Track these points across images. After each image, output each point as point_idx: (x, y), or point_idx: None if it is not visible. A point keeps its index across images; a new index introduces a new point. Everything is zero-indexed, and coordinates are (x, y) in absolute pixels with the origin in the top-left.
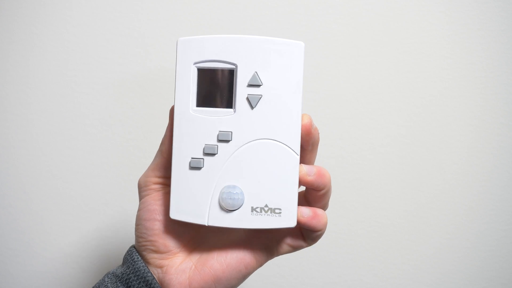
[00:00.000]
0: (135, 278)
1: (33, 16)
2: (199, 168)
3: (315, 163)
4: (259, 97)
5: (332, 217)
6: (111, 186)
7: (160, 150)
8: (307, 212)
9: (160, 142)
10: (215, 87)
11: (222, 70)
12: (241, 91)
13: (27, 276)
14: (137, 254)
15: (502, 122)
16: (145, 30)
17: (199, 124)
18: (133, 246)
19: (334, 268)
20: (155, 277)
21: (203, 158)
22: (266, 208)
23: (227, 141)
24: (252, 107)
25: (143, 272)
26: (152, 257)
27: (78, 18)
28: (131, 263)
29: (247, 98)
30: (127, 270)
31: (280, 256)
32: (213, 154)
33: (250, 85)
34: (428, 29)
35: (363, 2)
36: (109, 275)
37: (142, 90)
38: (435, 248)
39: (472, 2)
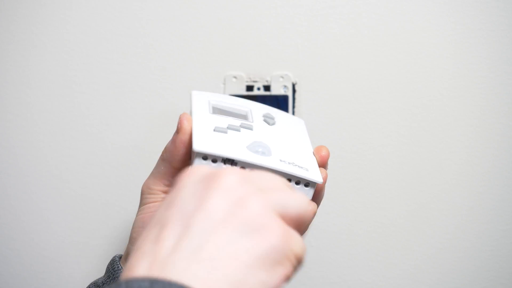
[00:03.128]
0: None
1: (33, 16)
2: (224, 132)
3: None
4: (274, 121)
5: (332, 217)
6: (111, 186)
7: (163, 159)
8: (325, 172)
9: (160, 143)
10: (232, 115)
11: (237, 110)
12: (257, 117)
13: (28, 276)
14: (118, 263)
15: (502, 122)
16: (145, 30)
17: (219, 119)
18: (117, 256)
19: (334, 268)
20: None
21: (227, 129)
22: (294, 163)
23: (250, 129)
24: (269, 124)
25: None
26: None
27: (78, 18)
28: (112, 272)
29: (264, 120)
30: (107, 280)
31: None
32: (237, 130)
33: (264, 116)
34: (428, 29)
35: (363, 2)
36: (91, 285)
37: (142, 90)
38: (435, 248)
39: (472, 2)
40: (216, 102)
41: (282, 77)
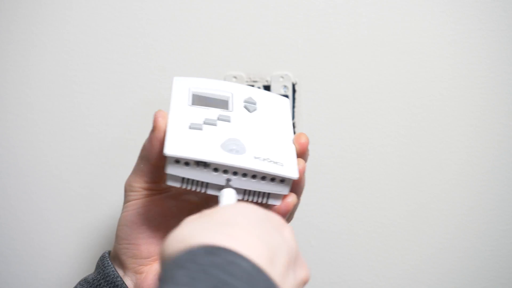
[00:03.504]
0: (105, 283)
1: (33, 16)
2: (199, 129)
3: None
4: (255, 107)
5: (332, 217)
6: (111, 186)
7: (142, 157)
8: (302, 163)
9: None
10: (211, 103)
11: (218, 96)
12: (238, 103)
13: (28, 276)
14: (108, 259)
15: (502, 122)
16: (145, 30)
17: (196, 112)
18: (106, 252)
19: (334, 268)
20: (128, 283)
21: (202, 125)
22: (268, 159)
23: (227, 121)
24: (249, 111)
25: (112, 277)
26: (132, 262)
27: (78, 18)
28: (102, 268)
29: (245, 107)
30: (97, 276)
31: None
32: (213, 124)
33: (246, 102)
34: (428, 29)
35: (363, 2)
36: (82, 282)
37: (142, 90)
38: (435, 248)
39: (472, 2)
40: (196, 90)
41: (282, 77)
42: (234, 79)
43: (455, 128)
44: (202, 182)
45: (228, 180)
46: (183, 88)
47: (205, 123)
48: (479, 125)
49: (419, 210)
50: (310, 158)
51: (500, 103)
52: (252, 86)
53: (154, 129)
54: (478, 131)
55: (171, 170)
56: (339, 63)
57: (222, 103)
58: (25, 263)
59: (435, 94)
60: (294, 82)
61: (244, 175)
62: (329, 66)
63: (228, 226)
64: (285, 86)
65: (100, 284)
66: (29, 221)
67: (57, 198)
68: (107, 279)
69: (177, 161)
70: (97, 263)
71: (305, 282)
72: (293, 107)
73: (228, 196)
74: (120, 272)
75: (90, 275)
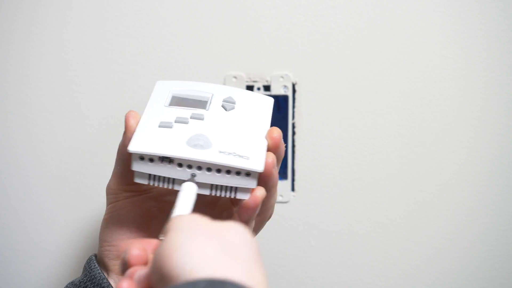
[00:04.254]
0: (92, 285)
1: (33, 16)
2: (169, 127)
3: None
4: (233, 106)
5: (332, 217)
6: None
7: (118, 159)
8: (271, 156)
9: None
10: (189, 104)
11: (197, 97)
12: (216, 103)
13: (28, 276)
14: (94, 262)
15: (502, 122)
16: (145, 30)
17: (170, 111)
18: (93, 255)
19: (334, 268)
20: (113, 285)
21: (173, 124)
22: (234, 153)
23: (200, 119)
24: (226, 110)
25: (98, 279)
26: (114, 264)
27: (78, 18)
28: (88, 271)
29: (222, 105)
30: (84, 278)
31: (280, 256)
32: (184, 123)
33: (224, 101)
34: (428, 29)
35: (363, 2)
36: (69, 285)
37: (142, 90)
38: (435, 248)
39: (472, 2)
40: (177, 92)
41: (282, 77)
42: (234, 79)
43: (455, 128)
44: (168, 178)
45: (193, 175)
46: (164, 90)
47: (176, 121)
48: (479, 125)
49: (419, 210)
50: (310, 158)
51: (500, 103)
52: (252, 86)
53: (125, 130)
54: (478, 131)
55: (136, 167)
56: (339, 63)
57: (200, 103)
58: (25, 263)
59: (435, 94)
60: (294, 82)
61: (209, 169)
62: (329, 66)
63: (233, 258)
64: (285, 86)
65: (86, 286)
66: (29, 221)
67: (57, 198)
68: (94, 281)
69: (141, 157)
70: (84, 266)
71: None
72: (293, 107)
73: (186, 190)
74: (105, 274)
75: (77, 278)
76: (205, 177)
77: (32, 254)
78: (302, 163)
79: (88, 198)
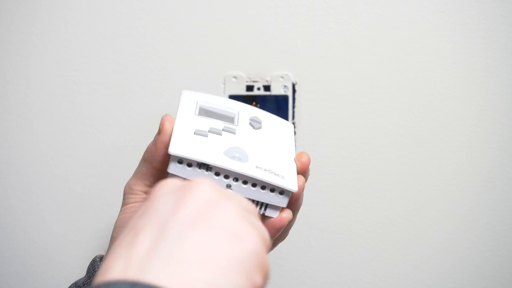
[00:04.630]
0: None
1: (33, 16)
2: (204, 135)
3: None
4: (260, 125)
5: (332, 217)
6: (111, 186)
7: (145, 159)
8: (302, 179)
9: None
10: (217, 117)
11: (224, 112)
12: (243, 120)
13: (28, 276)
14: (98, 264)
15: (502, 122)
16: (145, 30)
17: (203, 121)
18: (98, 257)
19: (334, 268)
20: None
21: (208, 133)
22: (270, 170)
23: (233, 133)
24: (254, 128)
25: None
26: None
27: (78, 18)
28: (92, 272)
29: (250, 124)
30: (88, 280)
31: (280, 256)
32: (218, 134)
33: (251, 120)
34: (428, 29)
35: (363, 2)
36: (72, 286)
37: (142, 90)
38: (435, 248)
39: (472, 2)
40: (204, 103)
41: (282, 77)
42: (234, 79)
43: (455, 128)
44: None
45: (229, 186)
46: (191, 100)
47: (210, 131)
48: (479, 125)
49: (419, 210)
50: (310, 157)
51: (500, 103)
52: (252, 86)
53: (160, 132)
54: (478, 131)
55: (173, 169)
56: (339, 63)
57: (228, 118)
58: (25, 263)
59: (435, 94)
60: (294, 82)
61: (245, 182)
62: (329, 66)
63: (161, 252)
64: (285, 86)
65: None
66: (29, 221)
67: (57, 198)
68: None
69: (180, 161)
70: (88, 267)
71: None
72: (293, 107)
73: None
74: None
75: (80, 279)
76: (240, 189)
77: (32, 254)
78: None
79: (87, 198)
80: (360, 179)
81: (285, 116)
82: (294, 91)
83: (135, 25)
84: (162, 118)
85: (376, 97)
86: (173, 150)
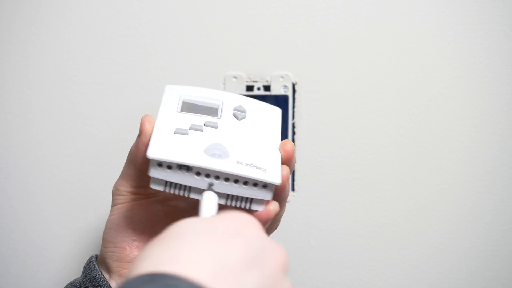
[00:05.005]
0: (91, 286)
1: (33, 16)
2: (185, 134)
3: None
4: (244, 115)
5: (332, 217)
6: (110, 186)
7: (128, 161)
8: (286, 169)
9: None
10: (200, 110)
11: (208, 104)
12: (227, 111)
13: (28, 276)
14: (94, 263)
15: (502, 122)
16: (145, 30)
17: (184, 118)
18: (93, 256)
19: (334, 268)
20: (114, 286)
21: (188, 130)
22: (251, 165)
23: (214, 128)
24: (237, 119)
25: (99, 281)
26: (117, 265)
27: (78, 18)
28: (88, 272)
29: (233, 114)
30: (84, 280)
31: None
32: (199, 130)
33: (235, 110)
34: (428, 29)
35: (363, 2)
36: (68, 286)
37: (142, 90)
38: (435, 248)
39: (472, 2)
40: (187, 97)
41: (282, 77)
42: (234, 79)
43: (455, 128)
44: (185, 186)
45: (211, 184)
46: (174, 95)
47: (191, 128)
48: (479, 125)
49: (419, 210)
50: (310, 158)
51: (500, 103)
52: (252, 86)
53: (140, 134)
54: (478, 131)
55: (154, 173)
56: (339, 63)
57: (211, 111)
58: (25, 263)
59: (435, 94)
60: (294, 82)
61: (227, 179)
62: (329, 66)
63: (174, 247)
64: (285, 86)
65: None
66: (29, 221)
67: (57, 198)
68: (93, 283)
69: (159, 164)
70: (84, 267)
71: (281, 266)
72: (293, 107)
73: (208, 199)
74: (106, 276)
75: (77, 278)
76: (222, 187)
77: (32, 254)
78: (302, 163)
79: (87, 198)
80: (360, 179)
81: (285, 116)
82: (294, 91)
83: (135, 25)
84: (142, 119)
85: (376, 97)
86: (151, 153)
